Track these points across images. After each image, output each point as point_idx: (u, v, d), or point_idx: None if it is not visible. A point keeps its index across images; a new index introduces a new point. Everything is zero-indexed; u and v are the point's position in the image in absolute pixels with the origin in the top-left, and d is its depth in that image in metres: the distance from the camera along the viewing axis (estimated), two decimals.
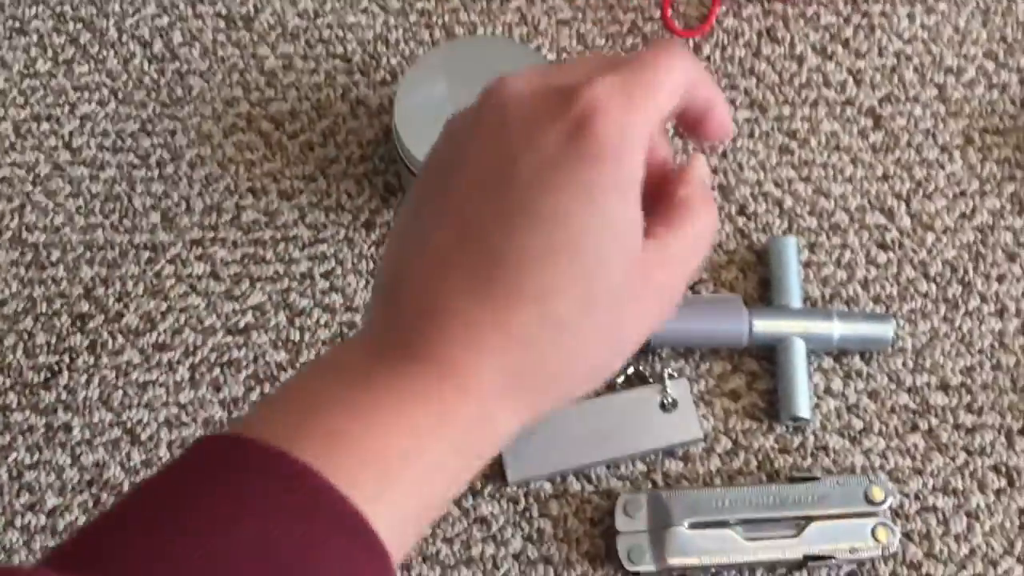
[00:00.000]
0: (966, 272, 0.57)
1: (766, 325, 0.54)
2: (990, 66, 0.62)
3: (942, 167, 0.59)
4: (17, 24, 0.64)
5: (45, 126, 0.62)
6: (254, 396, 0.55)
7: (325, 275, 0.58)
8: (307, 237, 0.59)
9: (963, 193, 0.59)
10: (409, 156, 0.54)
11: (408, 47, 0.63)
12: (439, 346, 0.32)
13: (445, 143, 0.36)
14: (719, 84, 0.62)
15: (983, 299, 0.56)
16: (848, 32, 0.63)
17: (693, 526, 0.50)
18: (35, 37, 0.64)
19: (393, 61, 0.63)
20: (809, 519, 0.50)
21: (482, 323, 0.32)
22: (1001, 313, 0.56)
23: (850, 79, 0.62)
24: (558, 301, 0.32)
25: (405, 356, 0.32)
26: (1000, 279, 0.57)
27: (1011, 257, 0.57)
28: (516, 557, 0.52)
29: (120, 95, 0.62)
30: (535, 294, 0.32)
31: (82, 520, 0.53)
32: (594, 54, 0.35)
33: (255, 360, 0.56)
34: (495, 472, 0.53)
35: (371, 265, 0.58)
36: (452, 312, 0.32)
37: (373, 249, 0.58)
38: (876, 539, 0.50)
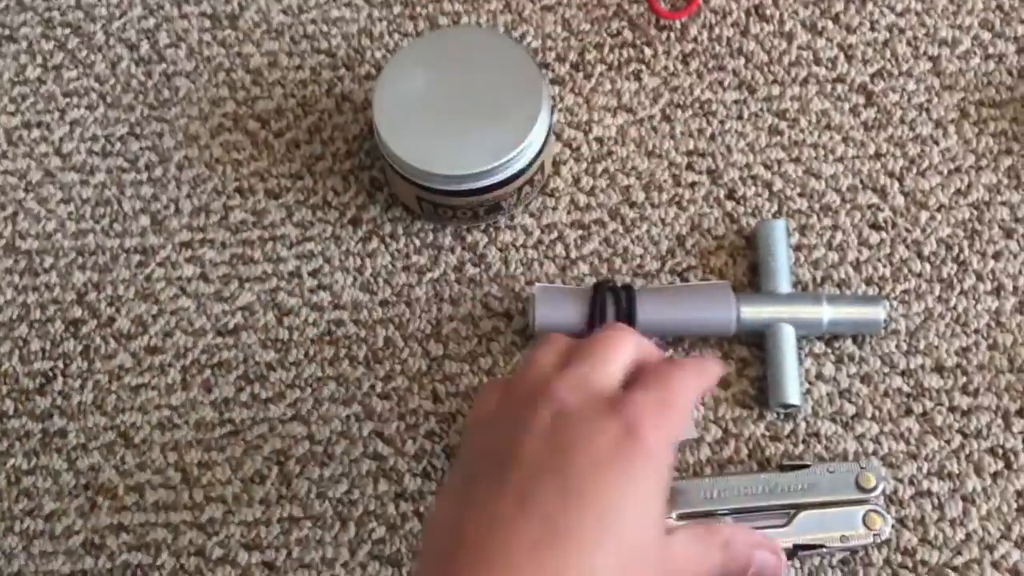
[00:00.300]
0: (961, 250, 0.56)
1: (754, 311, 0.53)
2: (986, 36, 0.60)
3: (936, 143, 0.58)
4: (6, 31, 0.65)
5: (36, 133, 0.62)
6: (244, 396, 0.55)
7: (313, 273, 0.58)
8: (294, 236, 0.59)
9: (958, 169, 0.57)
10: (387, 151, 0.54)
11: (392, 39, 0.63)
12: None
13: (495, 426, 0.42)
14: (706, 66, 0.60)
15: (979, 277, 0.55)
16: (839, 6, 0.61)
17: (682, 517, 0.50)
18: (24, 44, 0.64)
19: (378, 54, 0.62)
20: (799, 508, 0.50)
21: None
22: (998, 291, 0.55)
23: (841, 55, 0.60)
24: None
25: None
26: (996, 256, 0.55)
27: (1008, 233, 0.56)
28: None
29: (108, 99, 0.62)
30: (587, 570, 0.36)
31: (79, 524, 0.54)
32: (612, 334, 0.44)
33: (245, 360, 0.56)
34: None
35: (358, 262, 0.58)
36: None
37: (360, 245, 0.58)
38: (867, 526, 0.49)
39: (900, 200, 0.57)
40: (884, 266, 0.56)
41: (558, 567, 0.36)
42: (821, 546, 0.49)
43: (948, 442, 0.52)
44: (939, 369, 0.54)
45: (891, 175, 0.57)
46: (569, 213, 0.58)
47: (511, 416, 0.41)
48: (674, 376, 0.41)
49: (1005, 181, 0.57)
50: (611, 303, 0.53)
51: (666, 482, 0.39)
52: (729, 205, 0.57)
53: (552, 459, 0.38)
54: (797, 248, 0.56)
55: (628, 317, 0.52)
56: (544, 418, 0.40)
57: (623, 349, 0.42)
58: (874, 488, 0.50)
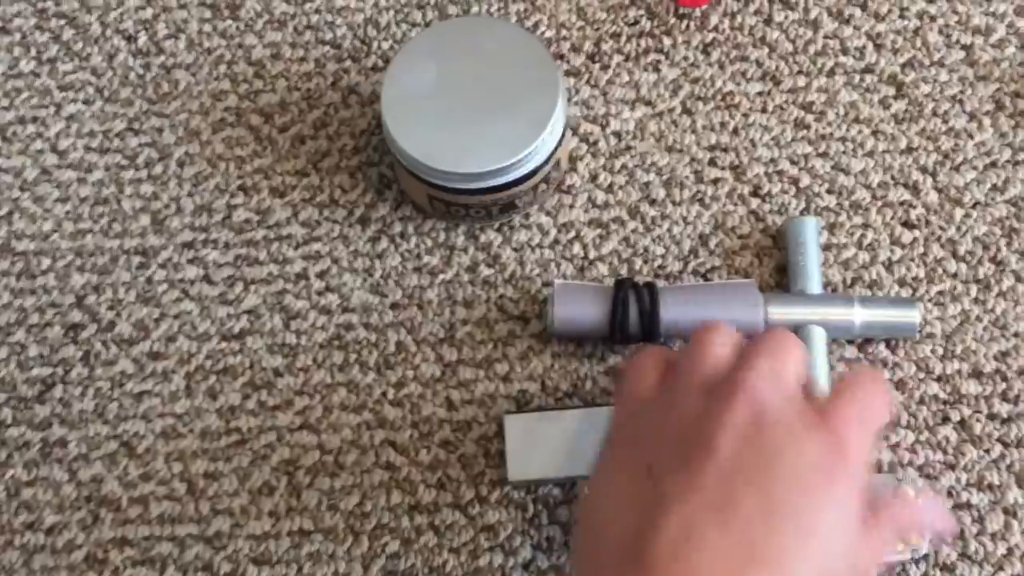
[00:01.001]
0: (998, 249, 0.53)
1: (782, 312, 0.51)
2: (1021, 24, 0.58)
3: (971, 136, 0.56)
4: None
5: (31, 128, 0.60)
6: (251, 404, 0.53)
7: (320, 275, 0.55)
8: (300, 236, 0.56)
9: (994, 164, 0.55)
10: (396, 147, 0.52)
11: (400, 30, 0.60)
12: None
13: (673, 410, 0.39)
14: (728, 56, 0.58)
15: (1017, 278, 0.53)
16: None
17: None
18: (18, 36, 0.62)
19: (385, 45, 0.60)
20: None
21: None
22: None
23: (870, 44, 0.58)
24: None
25: None
26: None
27: None
28: (525, 567, 0.50)
29: (106, 93, 0.60)
30: None
31: (81, 538, 0.52)
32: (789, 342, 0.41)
33: (251, 367, 0.54)
34: (502, 478, 0.51)
35: (367, 263, 0.55)
36: None
37: (369, 246, 0.56)
38: (904, 541, 0.47)
39: (933, 197, 0.55)
40: (918, 266, 0.53)
41: None
42: None
43: (988, 451, 0.50)
44: (977, 374, 0.51)
45: (924, 170, 0.55)
46: (587, 211, 0.56)
47: (694, 402, 0.39)
48: (876, 392, 0.40)
49: None
50: (633, 301, 0.51)
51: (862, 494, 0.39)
52: (754, 202, 0.55)
53: (752, 465, 0.37)
54: (826, 248, 0.54)
55: (651, 316, 0.50)
56: (742, 415, 0.37)
57: (801, 353, 0.40)
58: None
